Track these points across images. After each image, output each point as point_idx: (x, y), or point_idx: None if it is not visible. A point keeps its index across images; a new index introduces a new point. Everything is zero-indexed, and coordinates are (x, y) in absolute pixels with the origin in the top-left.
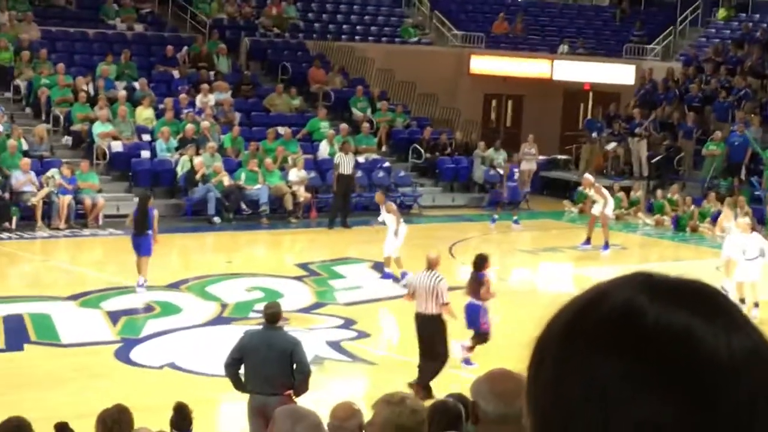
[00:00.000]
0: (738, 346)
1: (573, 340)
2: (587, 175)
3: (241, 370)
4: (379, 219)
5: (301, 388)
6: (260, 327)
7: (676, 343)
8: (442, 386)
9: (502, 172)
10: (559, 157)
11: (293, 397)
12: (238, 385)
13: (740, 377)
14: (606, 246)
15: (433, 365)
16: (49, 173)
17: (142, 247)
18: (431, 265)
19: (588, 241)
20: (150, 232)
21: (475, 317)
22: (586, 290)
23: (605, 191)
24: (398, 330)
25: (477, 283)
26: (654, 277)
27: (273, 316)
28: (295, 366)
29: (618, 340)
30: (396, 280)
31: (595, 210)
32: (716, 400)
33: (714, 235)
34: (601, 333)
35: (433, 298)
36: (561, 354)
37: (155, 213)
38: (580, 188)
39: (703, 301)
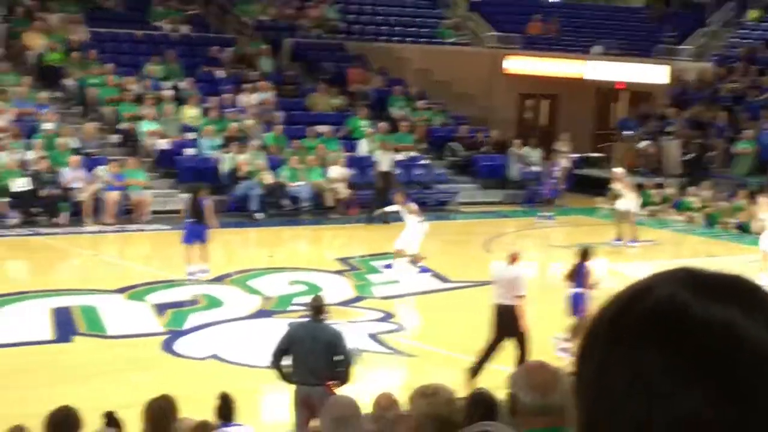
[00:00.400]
0: None
1: (617, 334)
2: (617, 169)
3: (288, 362)
4: (389, 209)
5: (344, 378)
6: (306, 319)
7: (718, 337)
8: (474, 381)
9: (536, 169)
10: (592, 155)
11: (335, 388)
12: (284, 376)
13: None
14: (633, 241)
15: (522, 348)
16: (96, 170)
17: (195, 235)
18: (512, 259)
19: (620, 237)
20: (203, 220)
21: (578, 305)
22: (630, 285)
23: (633, 187)
24: (435, 323)
25: (580, 273)
26: (696, 273)
27: (319, 307)
28: (338, 357)
29: (661, 334)
30: (390, 267)
31: (621, 205)
32: (756, 395)
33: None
34: (644, 327)
35: (512, 290)
36: (605, 348)
37: (207, 203)
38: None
39: (744, 296)
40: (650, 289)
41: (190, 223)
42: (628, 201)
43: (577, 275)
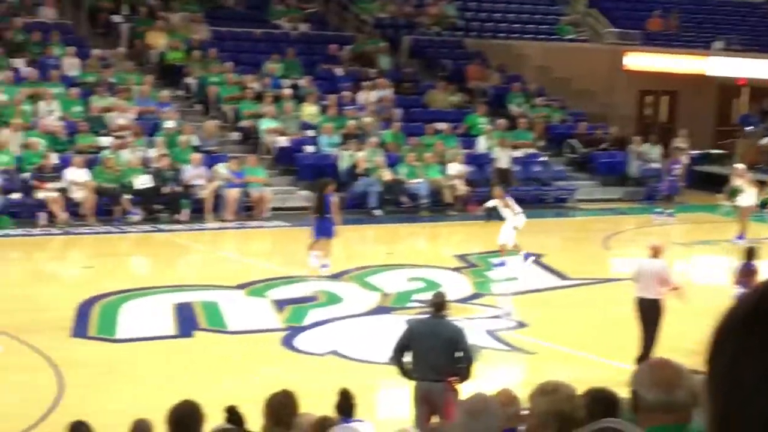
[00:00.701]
0: None
1: (751, 330)
2: (739, 165)
3: (408, 358)
4: (489, 204)
5: (466, 374)
6: (426, 316)
7: None
8: (593, 379)
9: (656, 166)
10: (713, 151)
11: (456, 384)
12: (405, 372)
13: None
14: (741, 237)
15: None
16: (216, 168)
17: (321, 230)
18: (655, 253)
19: (742, 235)
20: (329, 216)
21: None
22: (764, 282)
23: (752, 182)
24: (556, 320)
25: (747, 273)
26: None
27: (440, 304)
28: (459, 354)
29: None
30: (502, 264)
31: (742, 201)
32: None
33: None
34: None
35: (656, 283)
36: (738, 344)
37: (333, 199)
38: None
39: None
40: None
41: (316, 218)
42: (749, 197)
43: (744, 275)
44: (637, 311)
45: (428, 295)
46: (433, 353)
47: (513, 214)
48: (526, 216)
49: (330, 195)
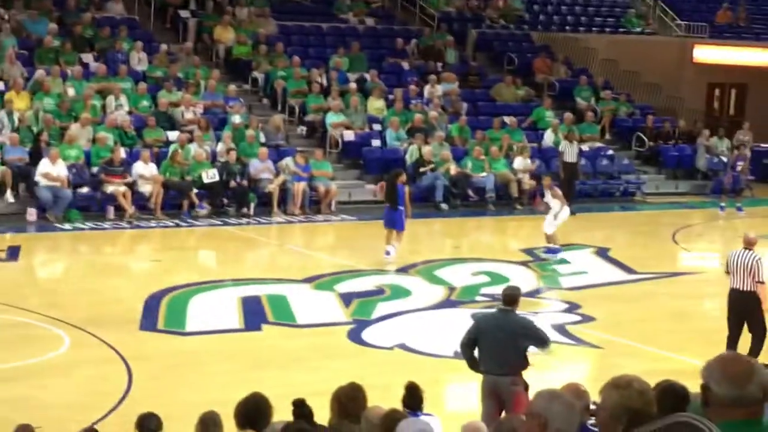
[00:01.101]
0: None
1: None
2: None
3: (476, 352)
4: (545, 200)
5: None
6: (493, 309)
7: None
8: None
9: (725, 159)
10: None
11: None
12: (473, 365)
13: None
14: None
15: (757, 341)
16: (283, 162)
17: (393, 222)
18: (749, 244)
19: None
20: (401, 207)
21: None
22: None
23: None
24: (624, 314)
25: None
26: None
27: (510, 297)
28: (534, 343)
29: None
30: (555, 251)
31: None
32: None
33: None
34: None
35: (750, 275)
36: None
37: (406, 189)
38: None
39: None
40: None
41: (388, 209)
42: None
43: None
44: (730, 302)
45: (495, 289)
46: (500, 346)
47: (560, 206)
48: (573, 211)
49: (402, 185)
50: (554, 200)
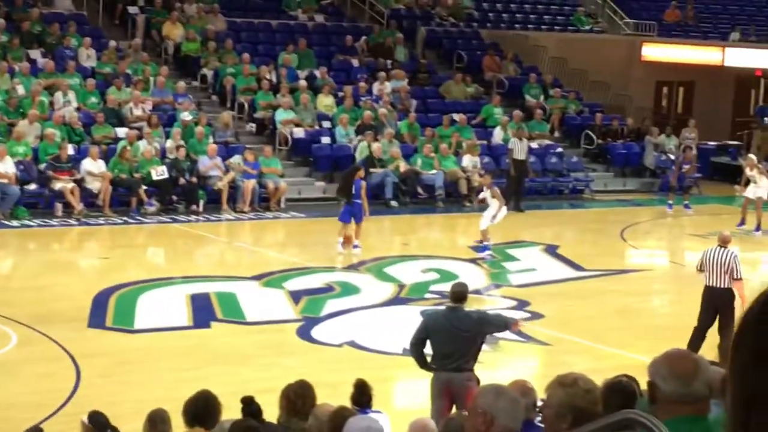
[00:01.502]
0: None
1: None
2: (751, 156)
3: (427, 350)
4: (480, 196)
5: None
6: (443, 306)
7: None
8: (609, 370)
9: (672, 157)
10: (730, 142)
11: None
12: (424, 363)
13: None
14: (758, 228)
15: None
16: (232, 159)
17: (352, 214)
18: (724, 242)
19: (743, 221)
20: (358, 201)
21: None
22: None
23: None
24: (572, 311)
25: None
26: None
27: (458, 294)
28: (492, 328)
29: None
30: (484, 249)
31: (750, 192)
32: None
33: None
34: None
35: (727, 272)
36: (758, 337)
37: (362, 184)
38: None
39: None
40: None
41: (345, 204)
42: (761, 188)
43: None
44: (704, 299)
45: (444, 287)
46: (451, 343)
47: (498, 206)
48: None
49: (359, 180)
50: (493, 199)
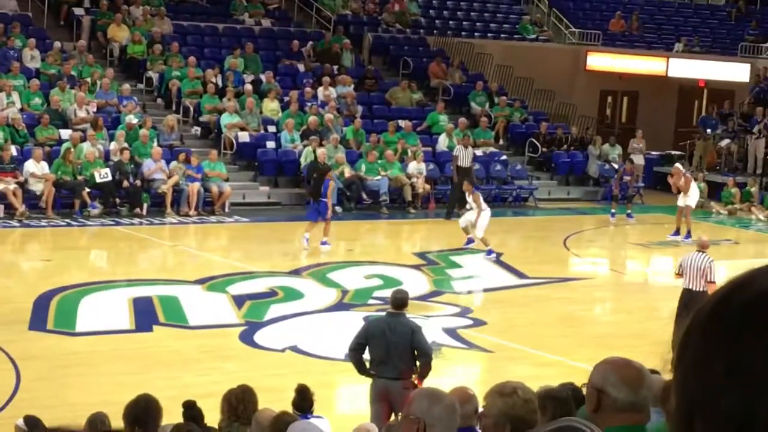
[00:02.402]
0: None
1: (717, 324)
2: (678, 165)
3: (366, 356)
4: (467, 206)
5: (425, 370)
6: (384, 313)
7: None
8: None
9: (616, 166)
10: (673, 152)
11: (416, 381)
12: (362, 369)
13: None
14: (688, 235)
15: None
16: (177, 162)
17: (318, 212)
18: (702, 247)
19: (677, 231)
20: (324, 199)
21: None
22: (732, 278)
23: (693, 184)
24: (514, 319)
25: None
26: None
27: (399, 301)
28: (417, 350)
29: (758, 324)
30: (471, 242)
31: (680, 201)
32: None
33: None
34: (744, 317)
35: (702, 276)
36: (705, 338)
37: (331, 184)
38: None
39: None
40: (752, 281)
41: (313, 202)
42: (689, 197)
43: None
44: (681, 302)
45: (387, 293)
46: (390, 350)
47: (479, 214)
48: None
49: (328, 181)
50: (473, 203)
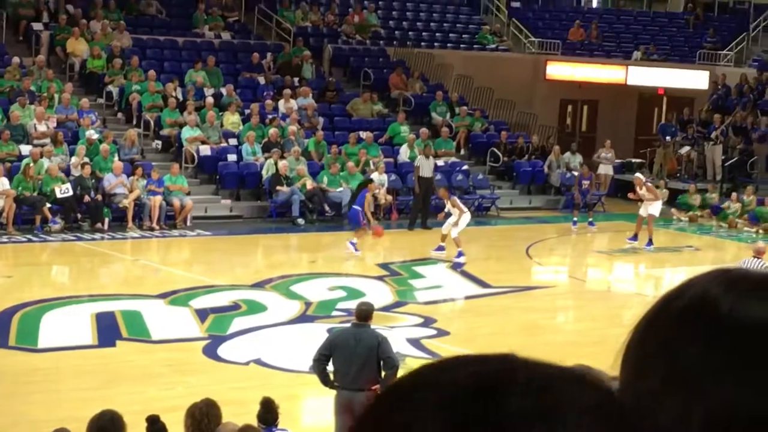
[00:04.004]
0: None
1: (655, 329)
2: (638, 174)
3: (330, 367)
4: (446, 211)
5: (390, 382)
6: (348, 324)
7: (750, 333)
8: None
9: (577, 175)
10: (634, 160)
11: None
12: (326, 381)
13: None
14: (649, 243)
15: None
16: (138, 177)
17: (349, 220)
18: (759, 253)
19: (635, 236)
20: (357, 207)
21: None
22: (671, 288)
23: (657, 191)
24: (478, 328)
25: None
26: (732, 272)
27: (363, 313)
28: (382, 362)
29: (693, 329)
30: (441, 249)
31: (642, 210)
32: None
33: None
34: (679, 323)
35: None
36: (643, 344)
37: (368, 196)
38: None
39: None
40: (689, 287)
41: (354, 209)
42: (651, 205)
43: None
44: None
45: (351, 304)
46: (355, 362)
47: (459, 214)
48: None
49: (366, 191)
50: (454, 209)
